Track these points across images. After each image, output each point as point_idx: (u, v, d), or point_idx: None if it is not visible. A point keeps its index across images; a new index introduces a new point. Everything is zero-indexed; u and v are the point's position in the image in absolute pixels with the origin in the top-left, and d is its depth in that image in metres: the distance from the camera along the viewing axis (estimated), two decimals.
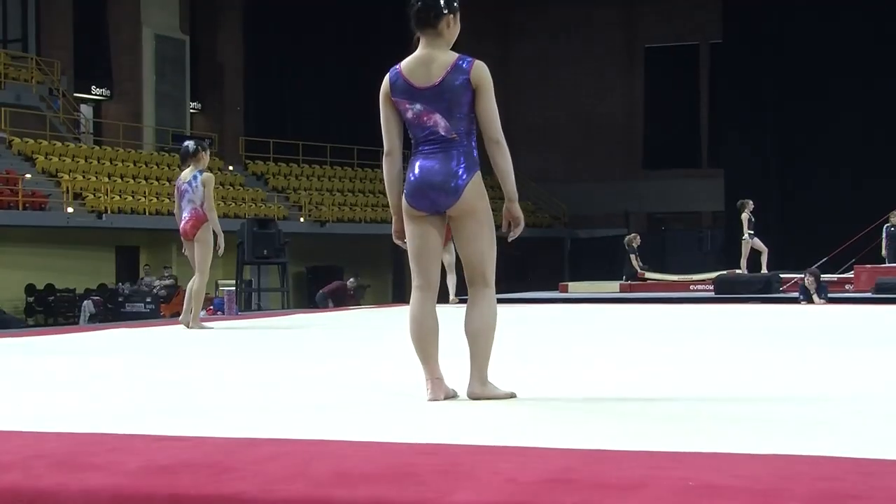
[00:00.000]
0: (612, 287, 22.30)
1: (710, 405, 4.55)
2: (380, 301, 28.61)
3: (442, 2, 4.69)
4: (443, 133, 4.63)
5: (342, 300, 23.96)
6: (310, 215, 30.82)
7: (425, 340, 4.71)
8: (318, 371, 6.25)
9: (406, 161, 4.80)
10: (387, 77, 4.76)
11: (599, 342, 8.58)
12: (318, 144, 33.54)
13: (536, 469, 3.15)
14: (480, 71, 4.63)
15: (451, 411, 4.44)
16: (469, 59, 4.66)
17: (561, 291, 22.52)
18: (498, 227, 4.70)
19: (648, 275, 22.98)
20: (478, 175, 4.66)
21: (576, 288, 22.84)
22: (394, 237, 4.93)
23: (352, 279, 27.25)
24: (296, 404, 4.76)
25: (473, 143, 4.69)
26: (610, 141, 36.66)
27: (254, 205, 29.66)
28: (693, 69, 36.52)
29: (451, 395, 4.72)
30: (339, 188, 33.37)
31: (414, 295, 4.77)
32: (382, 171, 4.89)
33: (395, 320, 11.86)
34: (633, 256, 22.54)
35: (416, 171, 4.68)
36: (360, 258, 31.32)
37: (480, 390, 4.71)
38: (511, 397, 4.78)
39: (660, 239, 33.07)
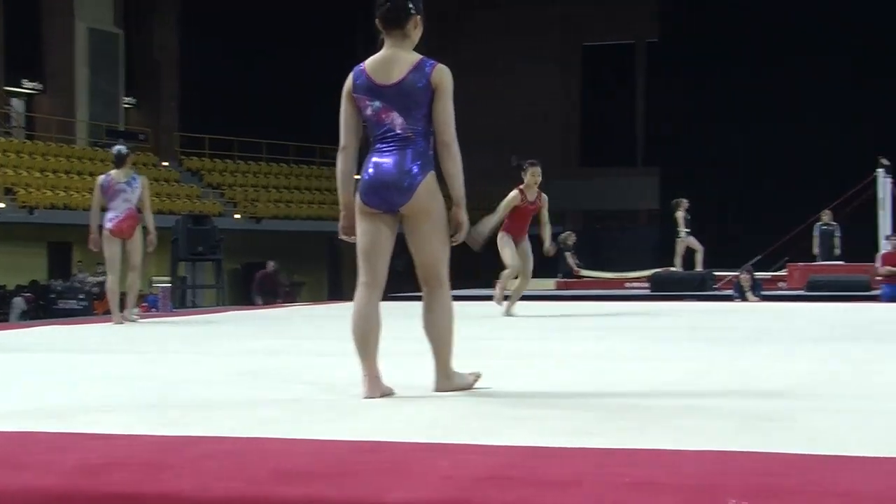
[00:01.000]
0: (547, 284, 22.36)
1: (647, 401, 4.58)
2: (316, 298, 28.49)
3: (410, 3, 4.76)
4: (399, 132, 4.68)
5: (273, 290, 23.64)
6: (245, 212, 30.64)
7: (366, 337, 4.71)
8: (256, 368, 6.21)
9: (362, 159, 4.83)
10: (351, 74, 4.81)
11: (536, 339, 8.61)
12: (253, 140, 33.32)
13: (474, 466, 3.16)
14: (442, 74, 4.72)
15: (390, 408, 4.43)
16: (432, 61, 4.74)
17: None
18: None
19: (584, 272, 23.09)
20: (432, 175, 4.70)
21: (512, 285, 22.86)
22: (340, 232, 4.95)
23: (271, 262, 26.79)
24: (233, 401, 4.73)
25: (430, 144, 4.73)
26: (547, 139, 36.77)
27: (189, 201, 29.42)
28: (630, 68, 36.77)
29: (388, 393, 4.72)
30: (275, 184, 33.18)
31: (359, 291, 4.77)
32: (334, 167, 4.92)
33: (331, 317, 11.83)
34: (568, 254, 22.63)
35: (371, 168, 4.71)
36: (296, 255, 31.16)
37: (447, 384, 4.80)
38: (478, 378, 4.92)
39: (596, 237, 33.23)
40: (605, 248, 31.46)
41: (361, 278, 4.78)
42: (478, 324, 9.61)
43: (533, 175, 11.41)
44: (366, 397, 4.65)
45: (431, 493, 2.87)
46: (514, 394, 4.89)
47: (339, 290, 31.11)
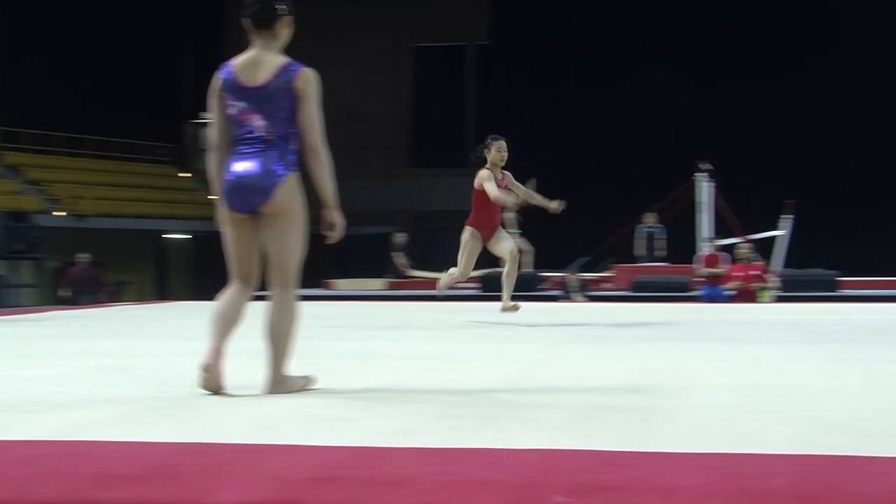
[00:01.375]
0: (377, 284, 22.40)
1: (475, 400, 4.61)
2: (142, 298, 27.94)
3: (281, 4, 4.80)
4: (261, 134, 4.70)
5: (94, 287, 22.92)
6: (68, 209, 29.82)
7: (224, 318, 4.76)
8: (75, 368, 6.04)
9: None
10: (218, 72, 4.82)
11: (370, 339, 8.59)
12: (77, 136, 32.47)
13: (303, 467, 3.13)
14: (307, 78, 4.75)
15: (217, 409, 4.36)
16: (298, 65, 4.77)
17: (325, 288, 22.46)
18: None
19: (414, 273, 23.19)
20: (293, 176, 4.73)
21: (341, 285, 22.83)
22: (218, 226, 4.96)
23: (83, 256, 25.92)
24: (50, 403, 4.58)
25: (291, 147, 4.76)
26: (377, 139, 36.81)
27: (8, 198, 28.50)
28: (460, 70, 37.05)
29: (220, 390, 4.66)
30: (100, 181, 32.37)
31: (230, 286, 4.87)
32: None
33: (156, 317, 11.61)
34: (399, 254, 22.70)
35: (231, 171, 4.73)
36: (121, 254, 30.47)
37: (278, 387, 4.76)
38: (309, 382, 4.92)
39: (426, 237, 33.37)
40: (435, 249, 31.60)
41: (232, 276, 4.86)
42: (314, 323, 9.53)
43: (499, 150, 9.97)
44: (200, 386, 4.64)
45: (260, 494, 2.83)
46: (345, 394, 4.87)
47: (165, 289, 30.58)
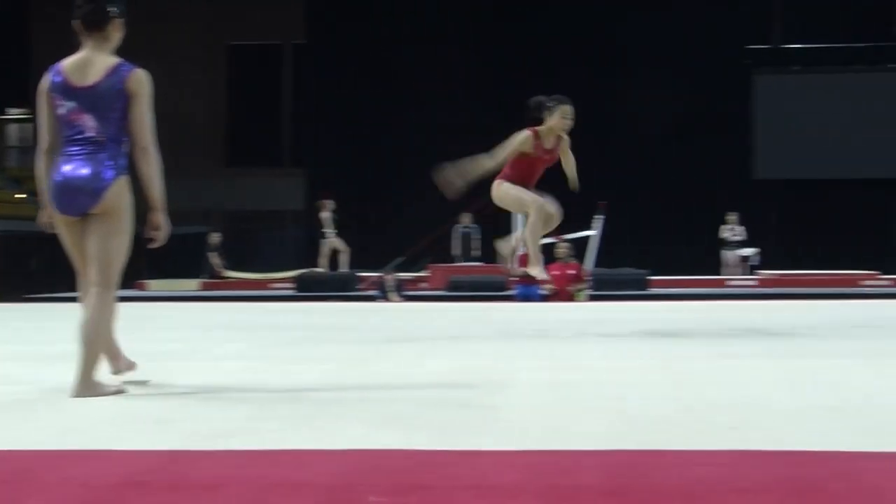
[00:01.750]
0: (191, 285, 22.07)
1: (289, 401, 4.57)
2: None
3: (112, 6, 4.76)
4: (91, 135, 4.66)
5: None
6: None
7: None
8: None
9: None
10: (47, 73, 4.75)
11: (180, 340, 8.43)
12: None
13: (110, 473, 3.05)
14: (139, 79, 4.75)
15: (21, 414, 4.22)
16: (130, 66, 4.75)
17: (138, 289, 22.02)
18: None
19: (229, 273, 22.94)
20: (123, 179, 4.71)
21: (155, 286, 22.41)
22: (43, 226, 4.89)
23: None
24: None
25: (122, 149, 4.73)
26: (192, 138, 36.22)
27: None
28: (276, 69, 36.79)
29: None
30: None
31: (80, 285, 4.88)
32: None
33: None
34: (213, 254, 22.42)
35: (60, 173, 4.69)
36: None
37: (85, 390, 4.65)
38: (119, 390, 4.82)
39: (241, 237, 33.05)
40: (250, 249, 31.35)
41: (78, 275, 4.87)
42: (127, 325, 9.31)
43: (563, 116, 8.26)
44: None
45: (67, 502, 2.75)
46: (158, 397, 4.77)
47: None
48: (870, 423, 3.91)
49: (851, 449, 3.42)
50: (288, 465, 3.17)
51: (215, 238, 22.74)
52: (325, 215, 20.62)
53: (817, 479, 3.03)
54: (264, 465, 3.17)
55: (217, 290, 20.94)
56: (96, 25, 4.74)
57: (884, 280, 20.96)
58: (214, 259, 22.39)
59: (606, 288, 18.37)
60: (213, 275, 22.36)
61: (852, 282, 20.95)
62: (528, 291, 17.98)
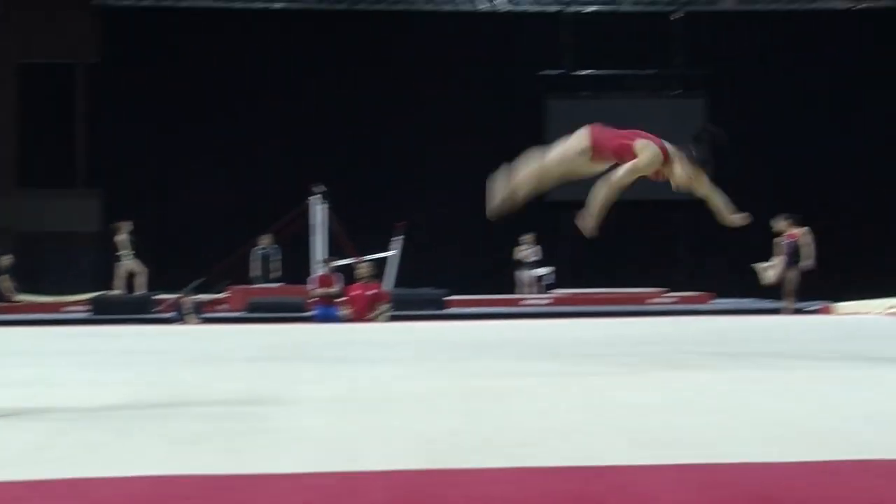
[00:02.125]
0: None
1: (77, 427, 4.48)
2: None
3: None
4: None
5: None
6: None
7: None
8: None
9: None
10: None
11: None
12: None
13: None
14: None
15: None
16: None
17: None
18: None
19: (20, 296, 22.27)
20: None
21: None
22: None
23: None
24: None
25: None
26: None
27: None
28: (70, 88, 35.87)
29: None
30: None
31: None
32: None
33: None
34: (4, 277, 21.74)
35: None
36: None
37: None
38: None
39: (34, 259, 32.07)
40: (43, 271, 30.47)
41: None
42: None
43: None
44: None
45: None
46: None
47: None
48: (646, 438, 4.08)
49: (628, 463, 3.57)
50: (72, 497, 3.11)
51: (6, 260, 22.02)
52: (122, 237, 20.23)
53: (595, 493, 3.16)
54: (47, 497, 3.11)
55: (8, 315, 20.26)
56: None
57: (670, 297, 21.77)
58: (5, 282, 21.68)
59: (405, 308, 18.54)
60: (4, 298, 21.65)
61: (641, 299, 21.69)
62: (327, 312, 18.01)
